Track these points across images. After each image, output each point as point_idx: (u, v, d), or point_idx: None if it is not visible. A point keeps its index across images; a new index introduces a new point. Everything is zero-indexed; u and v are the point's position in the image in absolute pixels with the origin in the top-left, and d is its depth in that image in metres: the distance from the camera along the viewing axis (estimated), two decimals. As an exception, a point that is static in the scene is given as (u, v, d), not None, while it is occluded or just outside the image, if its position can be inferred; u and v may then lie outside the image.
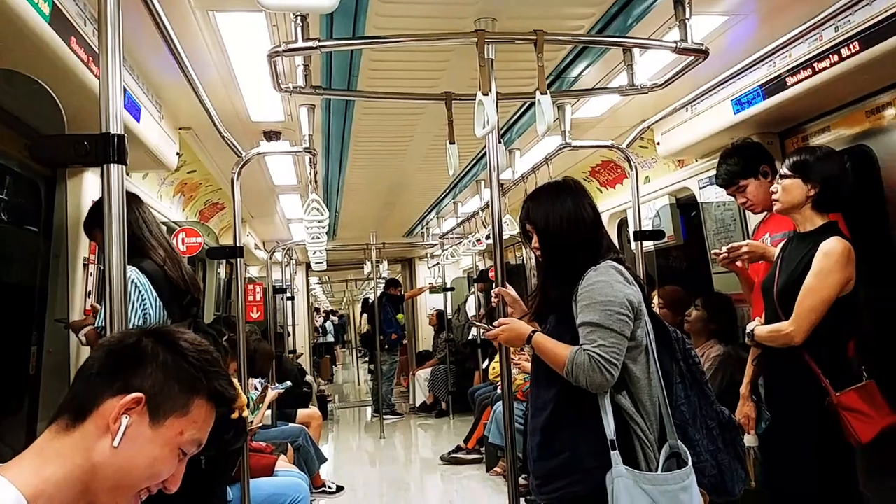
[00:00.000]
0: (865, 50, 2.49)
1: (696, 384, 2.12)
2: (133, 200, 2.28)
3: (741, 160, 2.99)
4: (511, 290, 2.50)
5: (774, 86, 2.98)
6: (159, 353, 1.14)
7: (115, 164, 1.37)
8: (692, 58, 2.50)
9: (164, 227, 2.70)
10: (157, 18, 1.87)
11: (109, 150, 1.35)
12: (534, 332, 2.13)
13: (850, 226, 2.64)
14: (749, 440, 2.62)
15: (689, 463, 1.96)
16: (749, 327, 2.65)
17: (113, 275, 1.38)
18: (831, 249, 2.35)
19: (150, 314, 2.18)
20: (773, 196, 2.55)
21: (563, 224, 2.12)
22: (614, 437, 1.93)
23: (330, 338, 17.99)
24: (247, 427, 2.44)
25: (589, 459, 1.96)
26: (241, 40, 2.73)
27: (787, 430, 2.50)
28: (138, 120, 2.88)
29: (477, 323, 6.28)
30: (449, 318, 9.45)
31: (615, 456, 1.91)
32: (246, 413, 2.25)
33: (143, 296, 2.18)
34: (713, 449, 2.07)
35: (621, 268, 2.06)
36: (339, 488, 5.62)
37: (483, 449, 6.24)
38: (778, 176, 2.55)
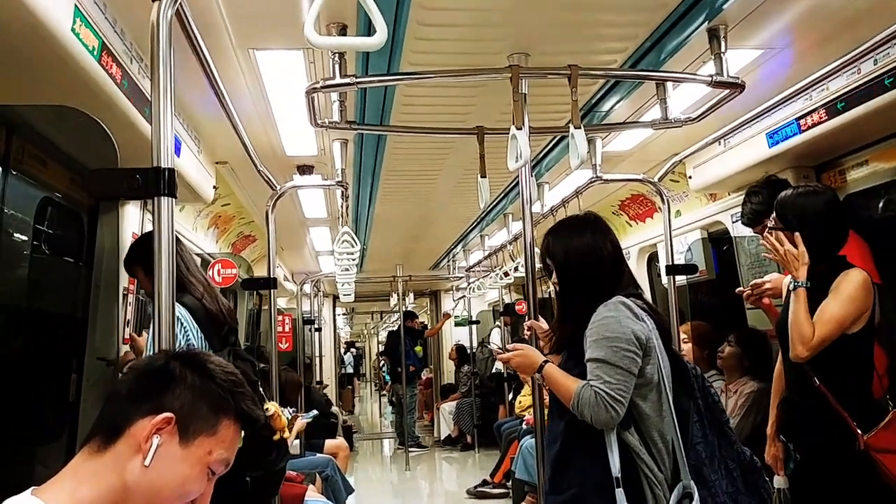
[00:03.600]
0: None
1: (715, 423, 2.08)
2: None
3: (767, 199, 2.91)
4: (543, 323, 2.48)
5: (811, 119, 2.96)
6: (187, 374, 1.17)
7: (166, 197, 1.40)
8: (727, 91, 2.52)
9: (198, 260, 2.76)
10: (200, 56, 1.92)
11: (161, 183, 1.38)
12: (545, 362, 2.11)
13: (889, 258, 2.59)
14: (779, 482, 2.55)
15: (696, 502, 1.92)
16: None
17: (162, 306, 1.40)
18: (851, 277, 2.30)
19: (193, 345, 2.24)
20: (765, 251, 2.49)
21: (582, 259, 2.11)
22: (619, 475, 1.90)
23: (349, 369, 18.01)
24: (288, 448, 2.47)
25: (595, 496, 1.94)
26: (279, 77, 2.79)
27: (819, 478, 2.40)
28: (178, 154, 2.94)
29: (495, 349, 6.27)
30: (472, 351, 9.43)
31: (619, 494, 1.89)
32: (287, 434, 2.28)
33: (185, 328, 2.24)
34: (732, 491, 2.00)
35: (630, 303, 2.03)
36: (366, 522, 5.57)
37: (510, 483, 6.15)
38: (768, 227, 2.47)
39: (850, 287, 2.29)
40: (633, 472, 1.93)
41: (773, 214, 2.46)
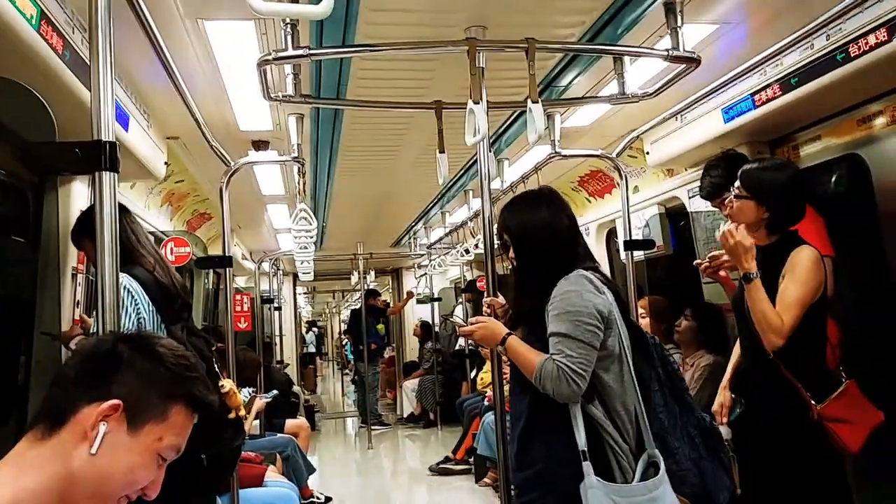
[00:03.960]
0: (857, 58, 2.49)
1: (675, 391, 2.11)
2: (120, 210, 2.30)
3: (725, 172, 2.95)
4: (502, 301, 2.47)
5: (765, 94, 2.99)
6: (136, 358, 1.13)
7: (107, 172, 1.35)
8: (683, 66, 2.51)
9: (151, 237, 2.69)
10: (146, 26, 1.85)
11: (101, 157, 1.33)
12: (509, 334, 2.10)
13: (842, 232, 2.63)
14: (722, 431, 2.59)
15: (661, 472, 1.94)
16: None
17: (105, 283, 1.36)
18: (804, 256, 2.33)
19: (144, 318, 2.19)
20: (727, 212, 2.51)
21: (539, 233, 2.11)
22: (585, 448, 1.92)
23: (311, 348, 17.94)
24: (244, 425, 2.44)
25: (561, 470, 1.95)
26: (230, 49, 2.72)
27: (775, 448, 2.43)
28: (126, 129, 2.85)
29: (455, 321, 6.30)
30: (436, 329, 9.44)
31: (587, 467, 1.90)
32: (243, 412, 2.25)
33: (136, 301, 2.18)
34: (695, 457, 2.05)
35: (591, 276, 2.05)
36: (328, 499, 5.57)
37: (472, 460, 6.21)
38: (732, 191, 2.48)
39: (804, 267, 2.32)
40: (599, 445, 1.94)
41: (737, 184, 2.47)
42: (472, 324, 2.20)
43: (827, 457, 2.34)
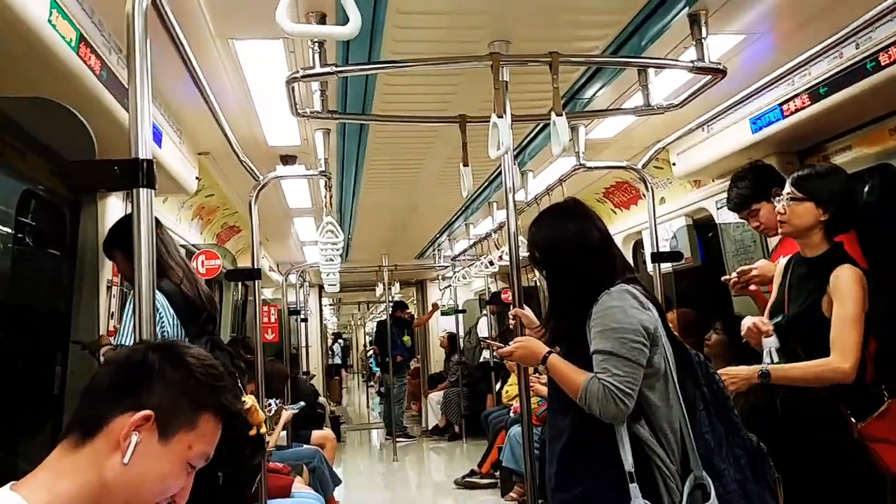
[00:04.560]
0: (888, 67, 2.46)
1: (721, 411, 2.03)
2: None
3: (753, 183, 2.90)
4: (528, 312, 2.45)
5: (793, 104, 2.97)
6: (166, 368, 1.15)
7: (144, 189, 1.39)
8: (709, 77, 2.51)
9: (182, 249, 2.74)
10: (179, 47, 1.90)
11: (139, 174, 1.37)
12: (549, 352, 2.05)
13: (874, 243, 2.60)
14: (770, 342, 2.45)
15: (712, 497, 1.88)
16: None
17: (142, 296, 1.40)
18: (846, 276, 2.26)
19: (167, 332, 2.23)
20: (780, 217, 2.42)
21: (566, 246, 2.05)
22: (632, 470, 1.86)
23: (337, 360, 18.01)
24: (265, 444, 2.46)
25: (605, 491, 1.89)
26: (259, 67, 2.77)
27: (812, 466, 2.33)
28: (160, 145, 2.92)
29: (490, 342, 6.32)
30: (462, 348, 9.42)
31: (633, 489, 1.83)
32: (264, 430, 2.27)
33: (160, 313, 2.21)
34: (741, 478, 1.96)
35: (636, 291, 1.98)
36: (354, 512, 5.58)
37: (498, 473, 6.16)
38: (786, 196, 2.41)
39: (847, 287, 2.25)
40: (646, 466, 1.88)
41: (788, 189, 2.40)
42: (509, 343, 2.16)
43: (866, 477, 2.27)
